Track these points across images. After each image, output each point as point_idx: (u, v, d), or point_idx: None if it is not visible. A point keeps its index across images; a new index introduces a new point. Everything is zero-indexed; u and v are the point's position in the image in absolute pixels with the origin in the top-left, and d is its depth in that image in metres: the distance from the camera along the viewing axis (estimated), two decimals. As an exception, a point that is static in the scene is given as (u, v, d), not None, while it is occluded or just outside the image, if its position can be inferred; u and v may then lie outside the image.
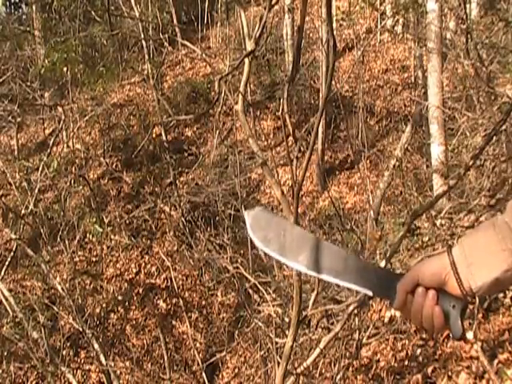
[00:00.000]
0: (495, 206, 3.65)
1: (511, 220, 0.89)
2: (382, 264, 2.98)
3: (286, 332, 3.05)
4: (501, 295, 4.12)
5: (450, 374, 3.77)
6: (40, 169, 8.46)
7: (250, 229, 1.08)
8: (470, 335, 3.90)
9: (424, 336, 4.28)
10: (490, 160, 4.32)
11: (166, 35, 9.72)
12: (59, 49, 9.30)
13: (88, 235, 8.91)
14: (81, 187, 9.74)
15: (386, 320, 4.53)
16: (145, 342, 7.87)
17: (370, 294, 1.00)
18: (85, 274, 8.34)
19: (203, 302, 8.37)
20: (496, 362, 3.63)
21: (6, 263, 6.55)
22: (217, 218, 8.37)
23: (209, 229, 8.02)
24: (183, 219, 8.58)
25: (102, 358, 5.24)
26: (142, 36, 10.13)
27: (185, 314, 7.63)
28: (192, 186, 9.84)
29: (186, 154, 10.78)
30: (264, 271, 5.53)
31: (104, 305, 8.11)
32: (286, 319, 3.61)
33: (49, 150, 10.27)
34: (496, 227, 0.91)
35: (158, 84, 10.62)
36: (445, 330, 0.95)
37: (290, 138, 2.87)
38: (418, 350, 4.17)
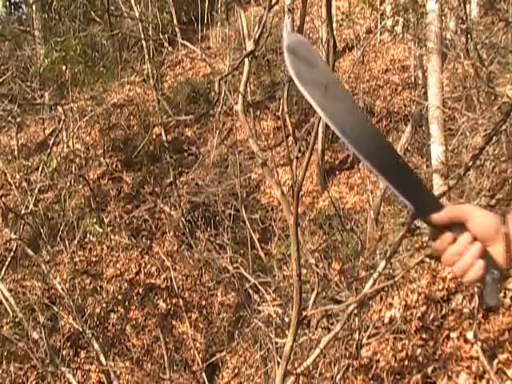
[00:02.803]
0: (495, 206, 3.65)
1: None
2: (382, 264, 2.98)
3: (286, 332, 3.05)
4: (501, 295, 4.12)
5: (450, 374, 3.77)
6: (40, 169, 8.47)
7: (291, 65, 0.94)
8: (470, 335, 3.91)
9: (424, 336, 4.28)
10: (490, 160, 4.32)
11: (166, 35, 9.71)
12: (59, 49, 9.31)
13: (88, 235, 8.91)
14: (81, 187, 9.74)
15: (386, 320, 4.54)
16: (145, 341, 7.87)
17: (413, 210, 0.92)
18: (85, 274, 8.34)
19: (203, 302, 8.37)
20: (496, 361, 3.63)
21: (6, 263, 6.55)
22: (217, 218, 8.37)
23: (209, 229, 8.01)
24: (183, 219, 8.58)
25: (101, 358, 5.24)
26: (142, 36, 10.12)
27: (185, 314, 7.64)
28: (192, 185, 9.84)
29: (186, 154, 10.78)
30: (264, 271, 5.52)
31: (104, 305, 8.10)
32: (286, 319, 3.61)
33: (49, 150, 10.28)
34: None
35: (158, 84, 10.62)
36: (473, 285, 0.91)
37: (290, 138, 2.87)
38: (418, 350, 4.17)
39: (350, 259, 4.83)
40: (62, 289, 5.66)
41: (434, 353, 4.08)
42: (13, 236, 6.55)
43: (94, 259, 8.75)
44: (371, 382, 4.24)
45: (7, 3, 16.05)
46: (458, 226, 0.90)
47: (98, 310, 7.99)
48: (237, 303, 8.02)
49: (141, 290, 8.45)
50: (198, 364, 6.95)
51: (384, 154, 0.94)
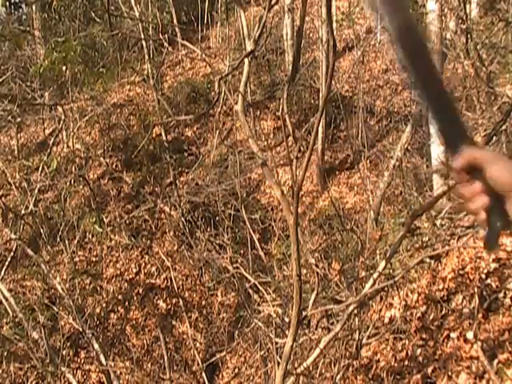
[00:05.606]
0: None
1: None
2: (382, 264, 2.98)
3: (286, 332, 3.06)
4: (501, 295, 4.12)
5: (450, 373, 3.77)
6: (40, 169, 8.47)
7: None
8: (470, 335, 3.91)
9: (424, 336, 4.28)
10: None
11: (166, 35, 9.71)
12: (59, 49, 9.31)
13: (88, 235, 8.91)
14: (81, 187, 9.74)
15: (386, 320, 4.54)
16: (145, 341, 7.87)
17: (441, 137, 0.96)
18: (85, 273, 8.34)
19: (203, 302, 8.37)
20: (496, 361, 3.63)
21: (6, 263, 6.55)
22: (217, 218, 8.37)
23: (209, 229, 8.02)
24: (183, 219, 8.57)
25: (102, 358, 5.24)
26: (142, 36, 10.12)
27: (185, 314, 7.63)
28: (192, 186, 9.83)
29: (186, 154, 10.77)
30: (264, 271, 5.52)
31: (104, 305, 8.10)
32: (286, 319, 3.60)
33: (49, 150, 10.29)
34: None
35: (157, 84, 10.61)
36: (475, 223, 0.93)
37: (290, 138, 2.87)
38: (418, 350, 4.17)
39: (350, 259, 4.84)
40: (62, 289, 5.65)
41: (434, 353, 4.08)
42: (13, 236, 6.54)
43: (93, 259, 8.75)
44: (371, 382, 4.24)
45: (7, 3, 16.02)
46: (477, 171, 0.91)
47: (98, 310, 7.99)
48: (237, 303, 8.02)
49: (141, 290, 8.45)
50: (198, 364, 6.95)
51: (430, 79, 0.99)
